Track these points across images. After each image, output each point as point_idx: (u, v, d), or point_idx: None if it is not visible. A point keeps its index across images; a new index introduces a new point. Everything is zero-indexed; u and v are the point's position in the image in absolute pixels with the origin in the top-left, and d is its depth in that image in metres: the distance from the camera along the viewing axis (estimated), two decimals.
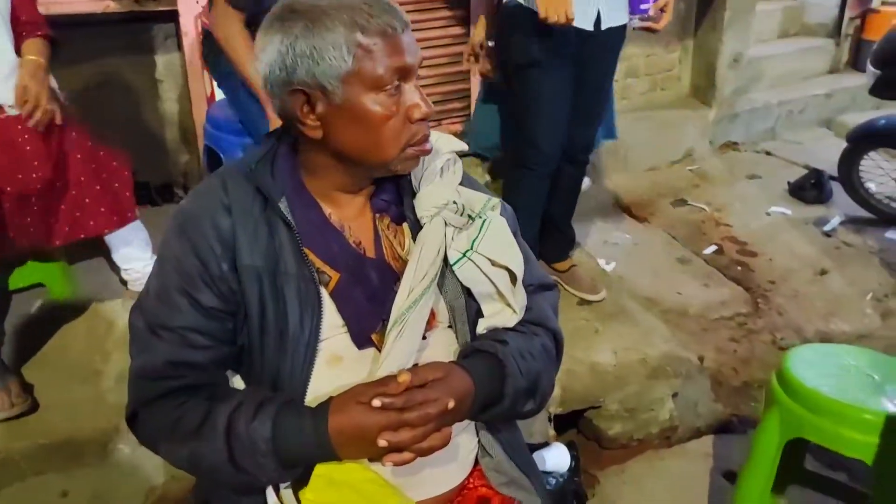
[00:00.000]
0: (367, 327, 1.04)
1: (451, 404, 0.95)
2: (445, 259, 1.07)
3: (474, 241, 1.07)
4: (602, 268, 2.90)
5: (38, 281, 2.34)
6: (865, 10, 4.67)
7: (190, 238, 1.00)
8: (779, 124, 4.34)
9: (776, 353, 2.61)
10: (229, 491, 1.05)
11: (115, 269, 2.37)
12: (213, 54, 2.14)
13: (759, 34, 4.37)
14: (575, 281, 2.63)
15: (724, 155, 4.11)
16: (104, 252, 2.35)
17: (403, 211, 1.09)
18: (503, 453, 1.16)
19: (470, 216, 1.09)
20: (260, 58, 0.99)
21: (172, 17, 2.91)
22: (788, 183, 3.66)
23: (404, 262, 1.06)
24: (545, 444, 2.03)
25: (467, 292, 1.10)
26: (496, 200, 1.13)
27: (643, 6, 2.28)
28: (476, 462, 1.16)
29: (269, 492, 1.02)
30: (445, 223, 1.07)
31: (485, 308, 1.10)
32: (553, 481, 1.90)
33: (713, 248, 3.19)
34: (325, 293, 1.02)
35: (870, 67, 3.13)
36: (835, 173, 3.46)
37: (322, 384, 1.02)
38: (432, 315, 1.07)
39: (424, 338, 1.05)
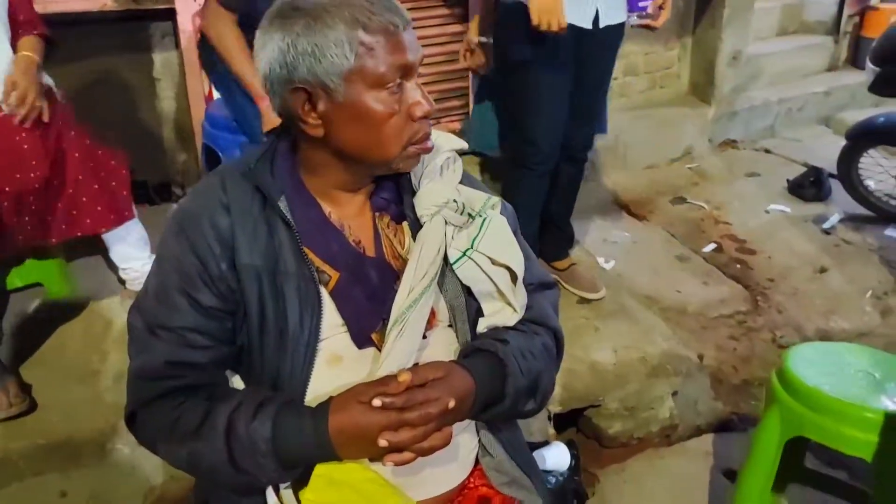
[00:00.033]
0: (367, 327, 1.03)
1: (451, 404, 0.94)
2: (445, 258, 1.06)
3: (474, 239, 1.07)
4: (601, 266, 2.90)
5: (35, 280, 2.34)
6: (864, 8, 4.66)
7: (189, 237, 0.99)
8: (778, 122, 4.34)
9: (776, 351, 2.61)
10: (229, 491, 1.05)
11: (112, 268, 2.36)
12: (209, 55, 2.14)
13: (757, 32, 4.36)
14: (574, 279, 2.63)
15: (723, 153, 4.11)
16: (102, 251, 2.34)
17: (403, 209, 1.09)
18: (504, 453, 1.15)
19: (470, 215, 1.08)
20: (260, 56, 0.98)
21: (170, 15, 2.91)
22: (787, 181, 3.65)
23: (404, 261, 1.05)
24: (545, 443, 2.02)
25: (467, 291, 1.09)
26: (496, 199, 1.12)
27: (641, 3, 2.27)
28: (476, 462, 1.15)
29: (269, 492, 1.01)
30: (445, 222, 1.06)
31: (485, 307, 1.10)
32: (553, 480, 1.89)
33: (712, 245, 3.19)
34: (324, 292, 1.01)
35: (869, 65, 3.13)
36: (834, 171, 3.45)
37: (322, 384, 1.01)
38: (432, 314, 1.06)
39: (425, 337, 1.05)
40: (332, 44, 0.93)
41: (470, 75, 3.33)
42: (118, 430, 1.89)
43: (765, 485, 1.62)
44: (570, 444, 2.00)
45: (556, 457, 1.93)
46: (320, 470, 0.97)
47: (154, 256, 2.34)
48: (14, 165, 1.95)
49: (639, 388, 2.25)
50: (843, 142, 3.40)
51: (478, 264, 1.06)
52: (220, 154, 2.37)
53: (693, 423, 2.31)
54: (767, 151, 4.14)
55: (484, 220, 1.08)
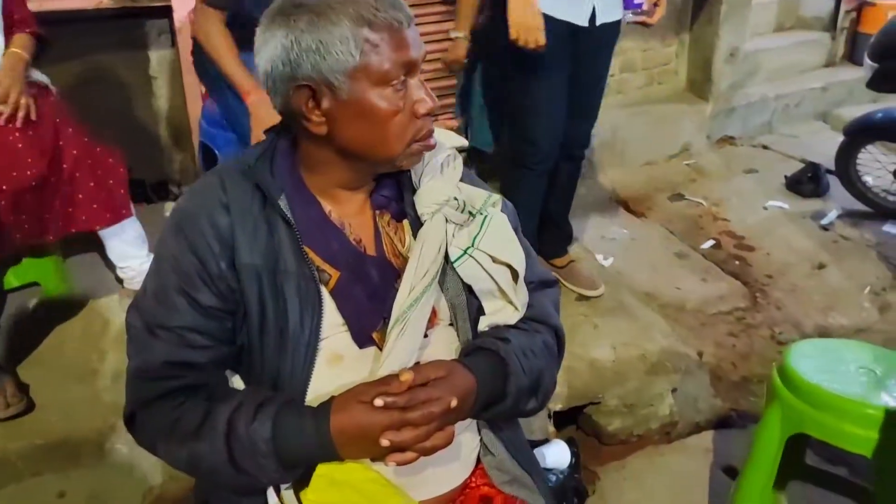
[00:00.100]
0: (367, 326, 1.03)
1: (453, 403, 0.94)
2: (446, 256, 1.06)
3: (475, 237, 1.06)
4: (600, 263, 2.90)
5: (32, 279, 2.32)
6: (861, 3, 4.66)
7: (187, 236, 0.99)
8: (775, 118, 4.34)
9: (775, 347, 2.61)
10: (229, 492, 1.04)
11: (110, 266, 2.35)
12: (201, 60, 2.15)
13: (754, 28, 4.35)
14: (573, 276, 2.62)
15: (720, 149, 4.11)
16: (100, 250, 2.33)
17: (404, 207, 1.08)
18: (505, 452, 1.15)
19: (471, 213, 1.08)
20: (261, 53, 0.97)
21: (166, 12, 2.89)
22: (785, 177, 3.65)
23: (405, 260, 1.05)
24: (545, 441, 2.02)
25: (468, 289, 1.09)
26: (497, 197, 1.12)
27: (637, 0, 2.27)
28: (478, 461, 1.15)
29: (270, 492, 1.01)
30: (446, 220, 1.06)
31: (486, 305, 1.09)
32: (553, 478, 1.89)
33: (711, 242, 3.19)
34: (325, 292, 1.01)
35: (867, 60, 3.12)
36: (831, 167, 3.46)
37: (323, 383, 1.01)
38: (433, 313, 1.06)
39: (426, 336, 1.04)
40: (337, 41, 0.92)
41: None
42: (117, 430, 1.88)
43: (766, 482, 1.62)
44: (570, 442, 2.00)
45: (556, 454, 1.93)
46: (322, 470, 0.97)
47: (151, 255, 2.35)
48: (9, 163, 1.94)
49: (638, 386, 2.25)
50: (840, 138, 3.40)
51: (479, 262, 1.06)
52: (216, 152, 2.35)
53: (693, 420, 2.31)
54: (765, 148, 4.14)
55: (485, 217, 1.08)
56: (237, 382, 1.06)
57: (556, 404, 2.17)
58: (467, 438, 1.12)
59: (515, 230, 1.12)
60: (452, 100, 3.49)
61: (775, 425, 1.57)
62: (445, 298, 1.08)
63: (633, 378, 2.25)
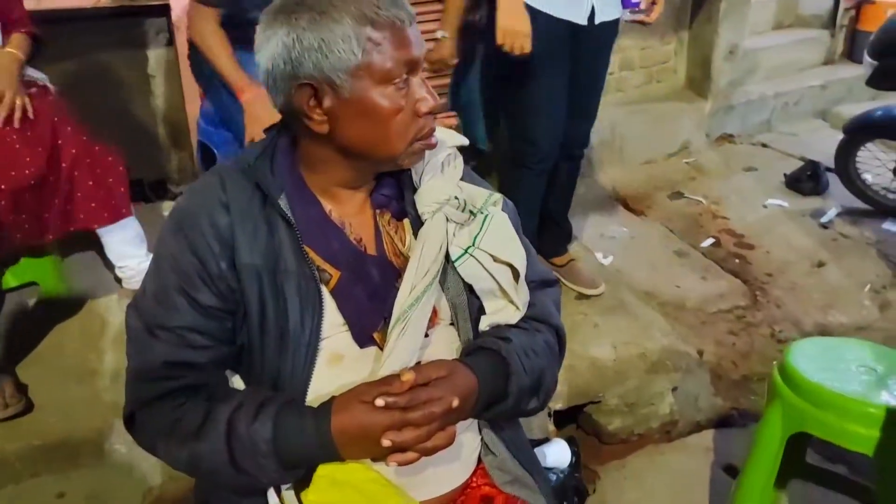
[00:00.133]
0: (368, 326, 1.02)
1: (455, 403, 0.94)
2: (447, 255, 1.05)
3: (476, 237, 1.06)
4: (599, 261, 2.90)
5: (30, 279, 2.31)
6: (860, 1, 4.65)
7: (187, 236, 0.98)
8: (774, 116, 4.33)
9: (775, 345, 2.61)
10: (230, 492, 1.04)
11: (109, 266, 2.34)
12: (197, 61, 2.16)
13: (753, 25, 4.35)
14: (573, 275, 2.62)
15: (720, 147, 4.10)
16: (98, 249, 2.32)
17: (404, 206, 1.08)
18: (507, 451, 1.15)
19: (471, 212, 1.08)
20: (262, 52, 0.97)
21: (164, 11, 2.88)
22: (785, 175, 3.65)
23: (405, 259, 1.04)
24: (545, 440, 2.02)
25: (469, 289, 1.08)
26: (498, 196, 1.11)
27: None
28: (479, 461, 1.14)
29: (271, 493, 1.00)
30: (447, 219, 1.05)
31: (487, 305, 1.09)
32: (554, 477, 1.89)
33: (710, 240, 3.18)
34: (325, 291, 1.00)
35: (867, 58, 3.12)
36: (831, 165, 3.45)
37: (323, 383, 1.00)
38: (434, 312, 1.06)
39: (426, 335, 1.04)
40: (340, 39, 0.92)
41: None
42: (116, 430, 1.88)
43: (767, 481, 1.61)
44: (571, 441, 2.00)
45: (556, 454, 1.93)
46: (323, 470, 0.97)
47: (150, 255, 2.33)
48: (7, 163, 1.93)
49: (638, 384, 2.24)
50: (839, 135, 3.40)
51: (480, 262, 1.06)
52: (215, 151, 2.35)
53: (693, 419, 2.30)
54: (764, 146, 4.13)
55: (486, 217, 1.07)
56: (237, 382, 1.06)
57: (556, 403, 2.17)
58: (468, 438, 1.11)
59: (516, 229, 1.12)
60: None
61: (776, 424, 1.57)
62: (446, 298, 1.08)
63: (634, 377, 2.25)
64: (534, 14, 2.14)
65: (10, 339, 2.13)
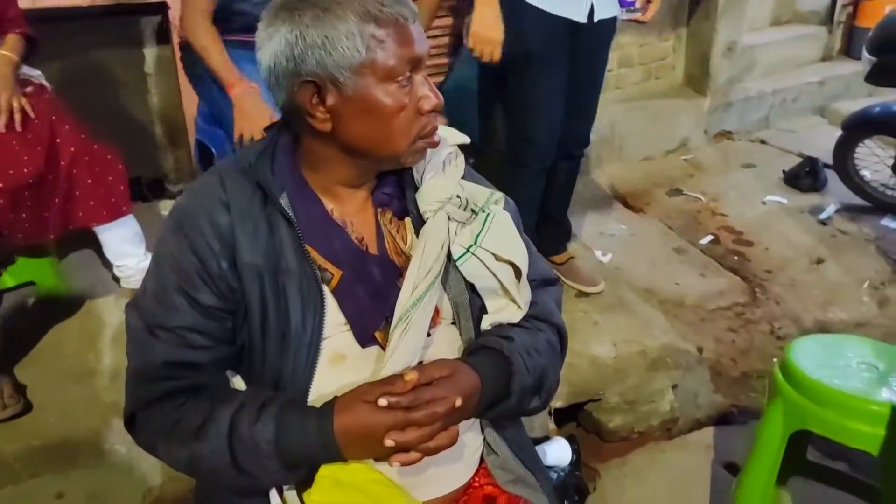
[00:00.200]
0: (370, 325, 1.02)
1: (458, 402, 0.93)
2: (449, 254, 1.05)
3: (478, 235, 1.05)
4: (599, 259, 2.89)
5: (28, 279, 2.30)
6: None
7: (187, 236, 0.97)
8: (772, 113, 4.33)
9: (774, 342, 2.61)
10: (231, 493, 1.03)
11: (107, 265, 2.33)
12: (190, 60, 2.16)
13: (751, 22, 4.35)
14: (573, 273, 2.62)
15: (718, 144, 4.10)
16: (96, 249, 2.31)
17: (406, 205, 1.07)
18: (509, 451, 1.14)
19: (473, 210, 1.07)
20: (264, 49, 0.96)
21: (161, 9, 2.87)
22: (783, 171, 3.65)
23: (407, 258, 1.04)
24: (546, 439, 2.02)
25: (471, 288, 1.08)
26: (499, 194, 1.11)
27: None
28: (481, 460, 1.14)
29: (273, 493, 1.00)
30: (449, 218, 1.05)
31: (489, 304, 1.09)
32: (554, 475, 1.89)
33: (709, 237, 3.18)
34: (327, 291, 1.00)
35: (865, 55, 3.12)
36: (829, 161, 3.45)
37: (325, 383, 1.00)
38: (436, 312, 1.05)
39: (428, 335, 1.03)
40: (343, 36, 0.91)
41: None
42: (115, 430, 1.87)
43: (768, 479, 1.61)
44: (571, 439, 2.00)
45: (557, 452, 1.93)
46: (325, 471, 0.96)
47: (149, 254, 2.32)
48: (5, 162, 1.93)
49: (639, 382, 2.24)
50: (837, 132, 3.40)
51: (481, 261, 1.05)
52: (212, 150, 2.34)
53: (693, 417, 2.30)
54: (763, 142, 4.14)
55: (487, 215, 1.07)
56: (238, 383, 1.05)
57: (556, 401, 2.16)
58: (471, 438, 1.11)
59: (518, 228, 1.12)
60: None
61: (777, 422, 1.57)
62: (448, 297, 1.07)
63: (634, 374, 2.25)
64: (533, 12, 2.13)
65: (8, 340, 2.12)
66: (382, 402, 0.90)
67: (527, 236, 1.14)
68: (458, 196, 1.05)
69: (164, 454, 1.00)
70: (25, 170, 1.94)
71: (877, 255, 3.03)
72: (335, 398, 0.94)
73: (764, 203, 3.45)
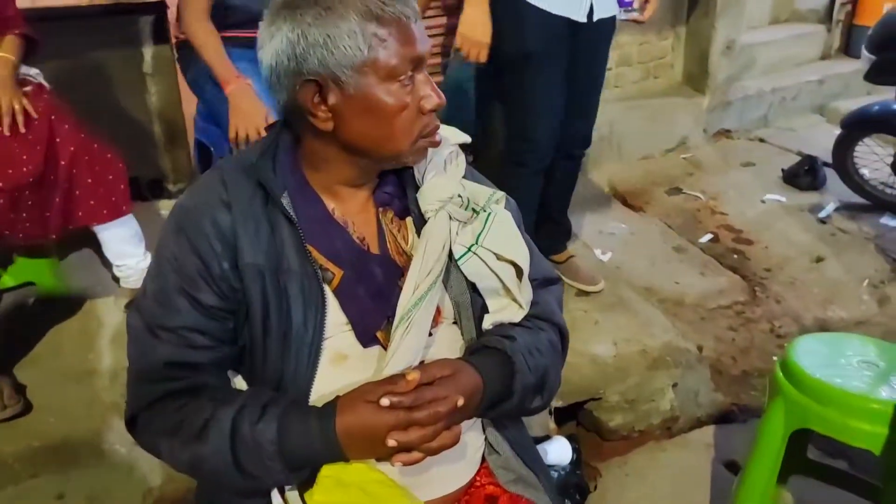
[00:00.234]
0: (371, 325, 1.02)
1: (460, 402, 0.93)
2: (450, 254, 1.05)
3: (479, 235, 1.05)
4: (598, 258, 2.89)
5: (27, 279, 2.30)
6: None
7: (189, 236, 0.97)
8: (771, 111, 4.33)
9: (774, 341, 2.61)
10: (233, 494, 1.03)
11: (107, 265, 2.33)
12: (185, 59, 2.17)
13: (749, 20, 4.35)
14: (573, 272, 2.61)
15: (717, 143, 4.10)
16: (96, 249, 2.31)
17: (407, 205, 1.07)
18: (510, 450, 1.14)
19: (474, 210, 1.07)
20: (266, 48, 0.96)
21: (159, 8, 2.86)
22: (782, 170, 3.65)
23: (408, 257, 1.04)
24: (546, 438, 2.02)
25: (472, 287, 1.08)
26: (500, 194, 1.11)
27: None
28: (483, 460, 1.14)
29: (275, 494, 1.00)
30: (450, 217, 1.04)
31: (490, 303, 1.09)
32: (555, 475, 1.89)
33: (709, 236, 3.18)
34: (328, 291, 0.99)
35: (865, 53, 3.12)
36: (828, 159, 3.45)
37: (327, 383, 1.00)
38: (437, 311, 1.05)
39: (430, 334, 1.03)
40: (345, 35, 0.91)
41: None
42: (115, 431, 1.86)
43: (769, 477, 1.61)
44: (572, 438, 2.00)
45: (557, 451, 1.93)
46: (327, 471, 0.96)
47: (148, 254, 2.32)
48: (5, 161, 1.92)
49: (639, 381, 2.24)
50: (836, 130, 3.40)
51: (483, 260, 1.05)
52: (211, 150, 2.34)
53: (694, 415, 2.30)
54: (762, 141, 4.14)
55: (489, 215, 1.07)
56: (240, 383, 1.05)
57: (556, 400, 2.16)
58: (472, 437, 1.11)
59: (519, 227, 1.12)
60: None
61: (778, 421, 1.56)
62: (449, 297, 1.07)
63: (634, 373, 2.24)
64: (533, 11, 2.13)
65: (7, 340, 2.12)
66: (385, 401, 0.90)
67: (527, 235, 1.14)
68: (459, 195, 1.04)
69: (166, 455, 1.00)
70: (25, 169, 1.93)
71: (876, 253, 3.03)
72: (337, 398, 0.94)
73: (763, 202, 3.45)
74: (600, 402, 2.21)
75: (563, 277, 2.58)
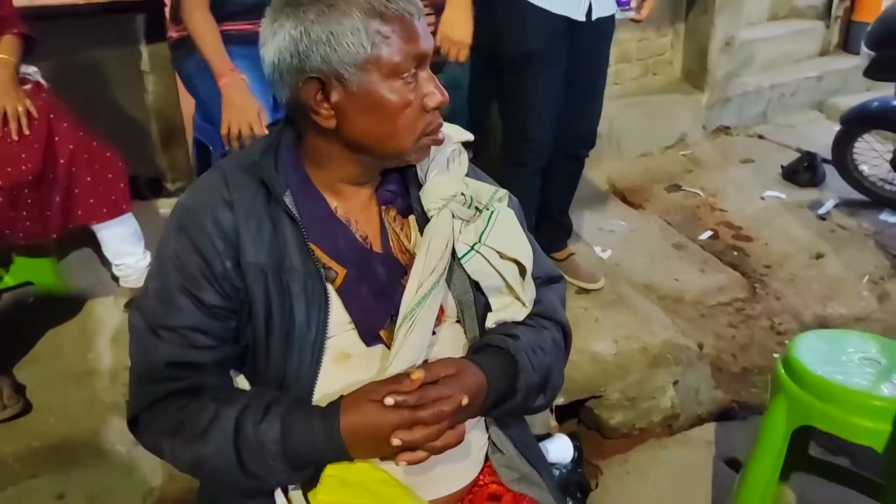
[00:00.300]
0: (374, 324, 1.01)
1: (464, 401, 0.93)
2: (453, 252, 1.04)
3: (482, 233, 1.05)
4: (598, 255, 2.89)
5: (26, 279, 2.29)
6: None
7: (190, 235, 0.97)
8: (770, 108, 4.33)
9: (775, 338, 2.61)
10: (236, 493, 1.03)
11: (106, 265, 2.32)
12: (180, 56, 2.16)
13: (748, 17, 4.35)
14: (573, 270, 2.61)
15: (716, 139, 4.10)
16: (95, 248, 2.30)
17: (410, 203, 1.06)
18: (514, 449, 1.14)
19: (477, 208, 1.07)
20: (268, 46, 0.95)
21: (156, 6, 2.85)
22: (782, 167, 3.65)
23: (411, 256, 1.03)
24: (547, 436, 2.01)
25: (475, 286, 1.07)
26: (503, 192, 1.11)
27: None
28: (486, 459, 1.14)
29: (278, 493, 0.99)
30: (453, 215, 1.04)
31: (493, 302, 1.08)
32: (556, 473, 1.89)
33: (708, 233, 3.18)
34: (331, 289, 0.99)
35: (864, 49, 3.12)
36: (827, 156, 3.45)
37: (330, 382, 0.99)
38: (441, 310, 1.05)
39: (433, 333, 1.03)
40: (349, 32, 0.90)
41: None
42: (116, 431, 1.86)
43: (771, 475, 1.61)
44: (573, 436, 2.00)
45: (559, 449, 1.93)
46: (331, 470, 0.96)
47: (148, 253, 2.31)
48: (4, 160, 1.91)
49: (640, 379, 2.24)
50: (835, 127, 3.40)
51: (486, 258, 1.05)
52: (210, 148, 2.33)
53: (694, 413, 2.30)
54: (761, 137, 4.14)
55: (492, 213, 1.06)
56: (242, 382, 1.05)
57: (557, 398, 2.15)
58: (476, 436, 1.10)
59: (521, 225, 1.11)
60: None
61: (780, 418, 1.56)
62: (452, 295, 1.07)
63: (635, 371, 2.24)
64: (532, 10, 2.12)
65: (6, 340, 2.11)
66: (389, 400, 0.90)
67: (530, 234, 1.14)
68: (462, 193, 1.04)
69: (168, 455, 0.99)
70: (24, 167, 1.93)
71: (876, 249, 3.03)
72: (341, 397, 0.94)
73: (763, 198, 3.45)
74: (601, 399, 2.21)
75: (564, 275, 2.58)
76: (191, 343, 0.97)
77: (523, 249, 1.07)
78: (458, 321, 1.09)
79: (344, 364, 1.00)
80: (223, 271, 0.96)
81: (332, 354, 1.00)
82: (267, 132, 1.06)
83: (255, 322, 0.98)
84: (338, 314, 0.99)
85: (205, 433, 0.93)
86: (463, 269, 1.05)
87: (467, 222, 1.05)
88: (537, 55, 2.18)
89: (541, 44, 2.16)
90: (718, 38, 3.92)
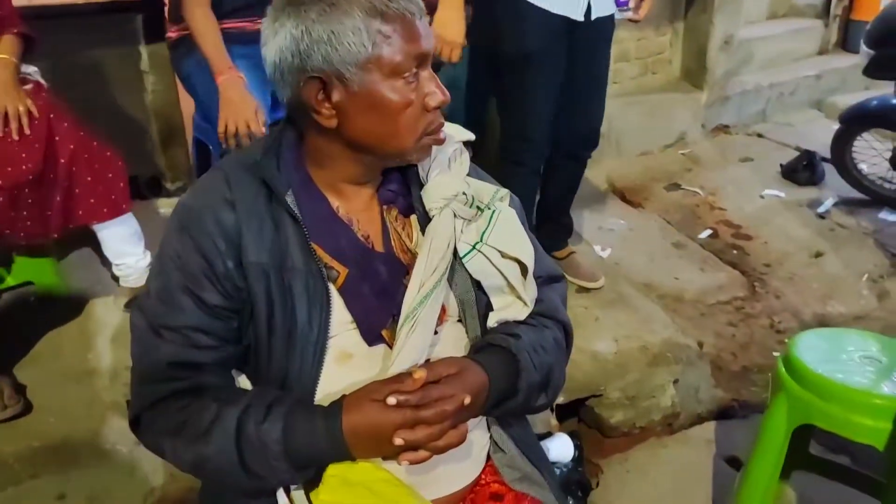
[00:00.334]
0: (376, 323, 1.01)
1: (466, 400, 0.93)
2: (455, 252, 1.04)
3: (484, 233, 1.05)
4: (598, 254, 2.89)
5: (26, 279, 2.29)
6: None
7: (192, 235, 0.97)
8: (769, 106, 4.34)
9: (774, 336, 2.61)
10: (238, 493, 1.03)
11: (106, 265, 2.32)
12: (176, 50, 2.16)
13: (747, 15, 4.35)
14: (573, 269, 2.61)
15: (716, 138, 4.10)
16: (96, 248, 2.30)
17: (411, 202, 1.06)
18: (516, 448, 1.14)
19: (479, 207, 1.07)
20: (269, 45, 0.95)
21: (156, 6, 2.85)
22: (781, 165, 3.65)
23: (413, 255, 1.03)
24: (548, 435, 2.02)
25: (477, 285, 1.07)
26: (505, 191, 1.11)
27: None
28: (488, 458, 1.14)
29: (280, 493, 0.99)
30: (454, 215, 1.04)
31: (495, 301, 1.08)
32: (557, 471, 1.89)
33: (708, 232, 3.18)
34: (333, 289, 0.99)
35: (864, 48, 3.12)
36: (826, 154, 3.46)
37: (332, 382, 0.99)
38: (442, 309, 1.05)
39: (435, 332, 1.03)
40: (350, 31, 0.90)
41: None
42: (116, 431, 1.86)
43: (772, 473, 1.61)
44: (573, 435, 2.00)
45: (559, 448, 1.93)
46: (333, 470, 0.96)
47: (148, 253, 2.30)
48: (4, 159, 1.91)
49: (640, 377, 2.24)
50: (834, 125, 3.40)
51: (487, 258, 1.05)
52: (210, 148, 2.33)
53: (694, 411, 2.30)
54: (760, 136, 4.14)
55: (493, 212, 1.06)
56: (244, 382, 1.05)
57: (558, 397, 2.16)
58: (477, 436, 1.10)
59: (523, 224, 1.11)
60: None
61: (781, 416, 1.56)
62: (454, 294, 1.07)
63: (635, 370, 2.24)
64: (532, 10, 2.12)
65: (7, 340, 2.11)
66: (391, 400, 0.90)
67: (531, 233, 1.14)
68: (463, 193, 1.04)
69: (170, 455, 0.99)
70: (24, 167, 1.92)
71: (875, 248, 3.03)
72: (343, 397, 0.94)
73: (762, 197, 3.45)
74: (601, 398, 2.22)
75: (564, 274, 2.58)
76: (192, 343, 0.97)
77: (525, 249, 1.07)
78: (459, 320, 1.09)
79: (346, 364, 1.00)
80: (225, 271, 0.96)
81: (333, 354, 1.00)
82: (264, 131, 1.06)
83: (256, 322, 0.98)
84: (340, 314, 0.99)
85: (207, 433, 0.93)
86: (464, 268, 1.05)
87: (469, 222, 1.06)
88: (536, 55, 2.18)
89: (540, 43, 2.16)
90: (717, 37, 3.92)
